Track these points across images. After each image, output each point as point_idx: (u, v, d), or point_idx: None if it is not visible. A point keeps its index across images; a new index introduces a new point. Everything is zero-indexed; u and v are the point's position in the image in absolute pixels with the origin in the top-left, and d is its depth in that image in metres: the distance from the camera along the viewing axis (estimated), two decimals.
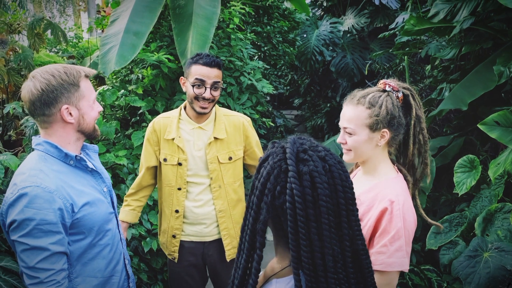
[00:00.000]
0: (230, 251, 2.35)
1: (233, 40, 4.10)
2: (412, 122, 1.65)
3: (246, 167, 2.50)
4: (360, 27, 6.57)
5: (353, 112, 1.58)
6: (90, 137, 1.59)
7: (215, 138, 2.25)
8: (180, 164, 2.25)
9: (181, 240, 2.34)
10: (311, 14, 6.73)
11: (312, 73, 7.46)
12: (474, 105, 3.25)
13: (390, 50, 4.53)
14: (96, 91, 3.57)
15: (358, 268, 0.99)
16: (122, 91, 3.55)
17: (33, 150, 1.57)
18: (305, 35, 6.55)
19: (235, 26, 4.08)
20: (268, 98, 4.64)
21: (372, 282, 1.01)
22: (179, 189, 2.27)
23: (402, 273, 2.27)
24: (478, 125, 2.64)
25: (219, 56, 3.85)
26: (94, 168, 1.63)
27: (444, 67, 4.37)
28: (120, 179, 3.23)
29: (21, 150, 2.73)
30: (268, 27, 5.50)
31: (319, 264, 0.93)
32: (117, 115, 3.53)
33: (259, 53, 5.39)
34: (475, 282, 2.46)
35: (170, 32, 4.12)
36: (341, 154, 1.71)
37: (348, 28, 6.66)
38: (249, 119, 2.44)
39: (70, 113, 1.49)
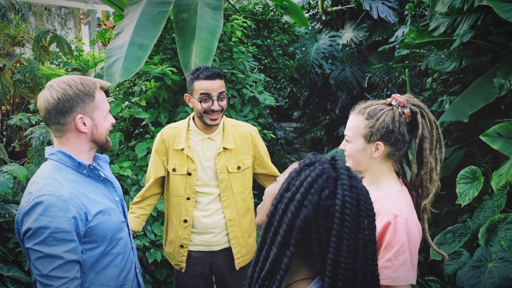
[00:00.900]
0: (239, 260, 2.36)
1: (235, 53, 4.14)
2: (417, 141, 1.63)
3: (256, 177, 2.52)
4: (359, 40, 6.65)
5: (353, 121, 1.62)
6: (102, 147, 1.62)
7: (224, 148, 2.28)
8: (189, 174, 2.27)
9: (189, 250, 2.35)
10: (310, 28, 6.80)
11: (311, 85, 7.50)
12: (475, 117, 3.29)
13: (390, 63, 4.59)
14: None
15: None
16: (126, 103, 3.57)
17: (45, 160, 1.58)
18: (304, 49, 6.61)
19: (237, 39, 4.13)
20: (268, 110, 4.67)
21: None
22: (188, 198, 2.29)
23: None
24: (480, 137, 2.68)
25: (221, 69, 3.89)
26: (106, 177, 1.65)
27: (443, 80, 4.43)
28: (124, 190, 3.24)
29: (27, 161, 2.74)
30: (269, 41, 5.56)
31: (349, 276, 0.95)
32: (121, 127, 3.55)
33: (260, 66, 5.44)
34: None
35: (173, 45, 4.17)
36: None
37: (347, 41, 6.74)
38: (256, 128, 2.47)
39: (84, 123, 1.52)
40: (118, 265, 1.60)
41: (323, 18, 7.46)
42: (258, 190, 3.86)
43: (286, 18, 6.40)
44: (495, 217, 2.75)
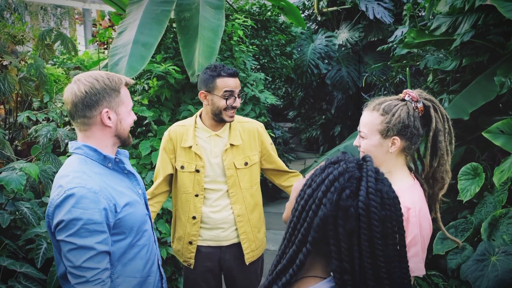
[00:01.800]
0: (249, 255, 2.38)
1: (236, 52, 4.17)
2: (431, 134, 1.66)
3: (264, 172, 2.54)
4: (354, 41, 6.72)
5: (368, 118, 1.66)
6: (124, 143, 1.64)
7: (231, 145, 2.31)
8: (197, 171, 2.29)
9: (198, 246, 2.37)
10: (306, 28, 6.86)
11: (306, 86, 7.56)
12: (474, 115, 3.35)
13: (389, 63, 4.65)
14: None
15: None
16: None
17: (69, 155, 1.60)
18: (300, 49, 6.66)
19: (238, 39, 4.15)
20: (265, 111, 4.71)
21: None
22: (196, 195, 2.31)
23: None
24: (483, 133, 2.73)
25: None
26: (130, 170, 1.67)
27: (440, 79, 4.50)
28: None
29: (33, 158, 2.73)
30: (266, 40, 5.60)
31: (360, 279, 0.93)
32: None
33: (258, 66, 5.47)
34: (484, 285, 2.52)
35: (174, 44, 4.19)
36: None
37: (343, 42, 6.81)
38: (262, 124, 2.50)
39: (109, 117, 1.54)
40: (143, 257, 1.62)
41: (319, 18, 7.53)
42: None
43: (282, 18, 6.45)
44: (496, 212, 2.81)
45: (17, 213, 2.35)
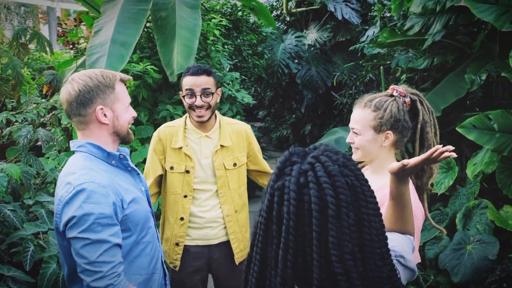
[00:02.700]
0: (239, 254, 2.40)
1: (213, 52, 4.18)
2: (419, 126, 1.73)
3: (248, 173, 2.56)
4: (323, 41, 6.85)
5: (360, 114, 1.71)
6: (124, 140, 1.63)
7: (221, 146, 2.32)
8: (187, 171, 2.29)
9: (186, 245, 2.36)
10: (276, 28, 6.93)
11: (276, 85, 7.64)
12: (445, 111, 3.50)
13: (361, 62, 4.78)
14: None
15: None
16: None
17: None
18: (270, 48, 6.73)
19: (214, 38, 4.17)
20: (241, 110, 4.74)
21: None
22: (185, 196, 2.31)
23: None
24: (457, 128, 2.86)
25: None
26: (133, 168, 1.67)
27: (408, 78, 4.67)
28: None
29: (14, 160, 2.66)
30: (238, 40, 5.63)
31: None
32: None
33: (231, 66, 5.50)
34: (462, 273, 2.65)
35: (150, 43, 4.16)
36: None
37: (312, 42, 6.92)
38: (249, 126, 2.53)
39: (105, 114, 1.53)
40: (148, 254, 1.62)
41: (288, 19, 7.62)
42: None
43: (252, 18, 6.50)
44: (470, 203, 2.95)
45: None
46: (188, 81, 2.22)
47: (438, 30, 3.20)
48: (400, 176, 1.30)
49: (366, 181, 1.02)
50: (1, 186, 2.16)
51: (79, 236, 1.38)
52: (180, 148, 2.29)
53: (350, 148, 1.84)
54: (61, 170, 2.68)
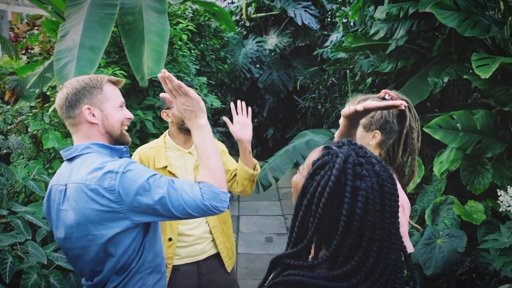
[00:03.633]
0: (228, 263, 2.41)
1: (180, 57, 4.17)
2: (405, 131, 1.81)
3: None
4: (283, 46, 6.97)
5: None
6: (118, 141, 1.61)
7: None
8: None
9: (175, 265, 2.31)
10: (236, 33, 6.98)
11: (237, 90, 7.68)
12: None
13: (324, 66, 4.91)
14: (43, 109, 3.43)
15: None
16: None
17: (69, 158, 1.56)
18: (232, 53, 6.77)
19: (181, 43, 4.16)
20: (209, 114, 4.76)
21: None
22: None
23: None
24: (424, 128, 3.01)
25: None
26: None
27: (370, 82, 4.84)
28: None
29: None
30: (202, 45, 5.63)
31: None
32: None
33: (195, 71, 5.49)
34: (433, 266, 2.78)
35: (115, 48, 4.09)
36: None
37: (272, 47, 7.03)
38: (219, 144, 2.50)
39: (93, 114, 1.54)
40: (160, 238, 1.67)
41: (247, 24, 7.69)
42: None
43: (214, 23, 6.52)
44: (437, 200, 3.11)
45: None
46: None
47: (402, 35, 3.35)
48: (352, 120, 1.44)
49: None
50: None
51: (157, 196, 1.40)
52: (165, 167, 2.26)
53: None
54: (36, 178, 2.60)
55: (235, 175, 2.42)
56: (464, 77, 3.00)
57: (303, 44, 6.99)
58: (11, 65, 5.52)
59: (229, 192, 1.88)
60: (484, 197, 3.09)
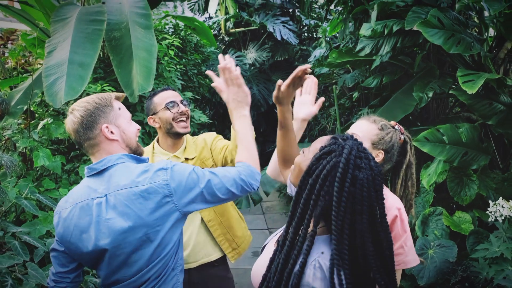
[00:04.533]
0: (231, 254, 2.41)
1: (166, 72, 4.17)
2: (404, 166, 1.89)
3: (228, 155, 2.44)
4: (262, 60, 7.05)
5: (367, 126, 1.85)
6: (136, 152, 1.66)
7: (186, 159, 2.35)
8: None
9: None
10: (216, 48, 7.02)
11: (216, 104, 7.69)
12: None
13: None
14: (29, 125, 3.36)
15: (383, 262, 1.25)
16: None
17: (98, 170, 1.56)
18: (212, 68, 6.79)
19: (168, 58, 4.16)
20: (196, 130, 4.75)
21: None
22: None
23: None
24: (413, 142, 3.10)
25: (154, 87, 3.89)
26: None
27: (350, 96, 4.95)
28: None
29: None
30: (184, 60, 5.64)
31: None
32: (61, 149, 3.35)
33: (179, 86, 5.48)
34: (427, 276, 2.85)
35: (101, 63, 4.05)
36: None
37: (251, 61, 7.09)
38: (209, 134, 2.51)
39: (112, 131, 1.57)
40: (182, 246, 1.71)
41: (226, 39, 7.74)
42: None
43: (195, 38, 6.54)
44: (426, 211, 3.19)
45: None
46: (165, 95, 2.32)
47: (387, 51, 3.46)
48: (280, 101, 1.71)
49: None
50: None
51: (207, 182, 1.52)
52: None
53: None
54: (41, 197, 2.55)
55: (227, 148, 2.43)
56: (450, 92, 3.11)
57: (282, 59, 7.09)
58: None
59: None
60: (470, 208, 3.20)
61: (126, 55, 3.59)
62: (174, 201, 1.48)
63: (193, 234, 2.33)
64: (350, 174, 1.21)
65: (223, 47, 7.83)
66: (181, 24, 5.98)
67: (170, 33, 5.83)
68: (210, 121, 4.84)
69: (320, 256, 1.26)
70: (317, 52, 4.90)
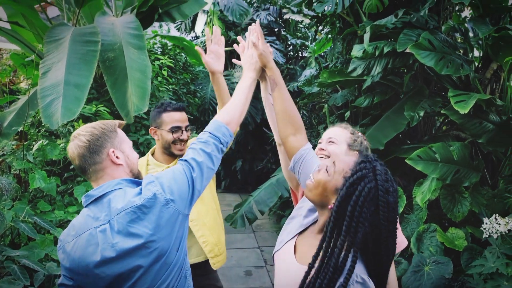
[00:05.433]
0: (214, 260, 2.39)
1: (157, 91, 4.18)
2: None
3: None
4: None
5: (341, 131, 1.99)
6: (138, 177, 1.66)
7: None
8: None
9: None
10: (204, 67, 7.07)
11: (203, 122, 7.71)
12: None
13: (298, 100, 5.06)
14: (23, 146, 3.32)
15: None
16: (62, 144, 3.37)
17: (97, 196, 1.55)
18: (200, 87, 6.83)
19: (161, 79, 4.18)
20: None
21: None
22: None
23: None
24: (406, 160, 3.17)
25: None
26: None
27: (340, 114, 5.03)
28: None
29: None
30: (173, 79, 5.66)
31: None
32: (55, 171, 3.31)
33: None
34: None
35: (94, 84, 4.05)
36: None
37: (239, 80, 7.15)
38: (193, 139, 2.55)
39: (117, 156, 1.58)
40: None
41: None
42: None
43: (183, 57, 6.58)
44: (420, 228, 3.25)
45: None
46: (173, 117, 2.37)
47: (378, 72, 3.55)
48: (264, 61, 1.93)
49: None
50: None
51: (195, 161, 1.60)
52: None
53: None
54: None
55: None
56: (442, 111, 3.20)
57: None
58: None
59: None
60: (463, 224, 3.27)
61: (121, 75, 3.60)
62: (174, 206, 1.52)
63: None
64: (385, 199, 1.30)
65: None
66: (169, 43, 6.03)
67: (158, 53, 5.87)
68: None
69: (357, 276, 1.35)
70: (307, 72, 4.98)
